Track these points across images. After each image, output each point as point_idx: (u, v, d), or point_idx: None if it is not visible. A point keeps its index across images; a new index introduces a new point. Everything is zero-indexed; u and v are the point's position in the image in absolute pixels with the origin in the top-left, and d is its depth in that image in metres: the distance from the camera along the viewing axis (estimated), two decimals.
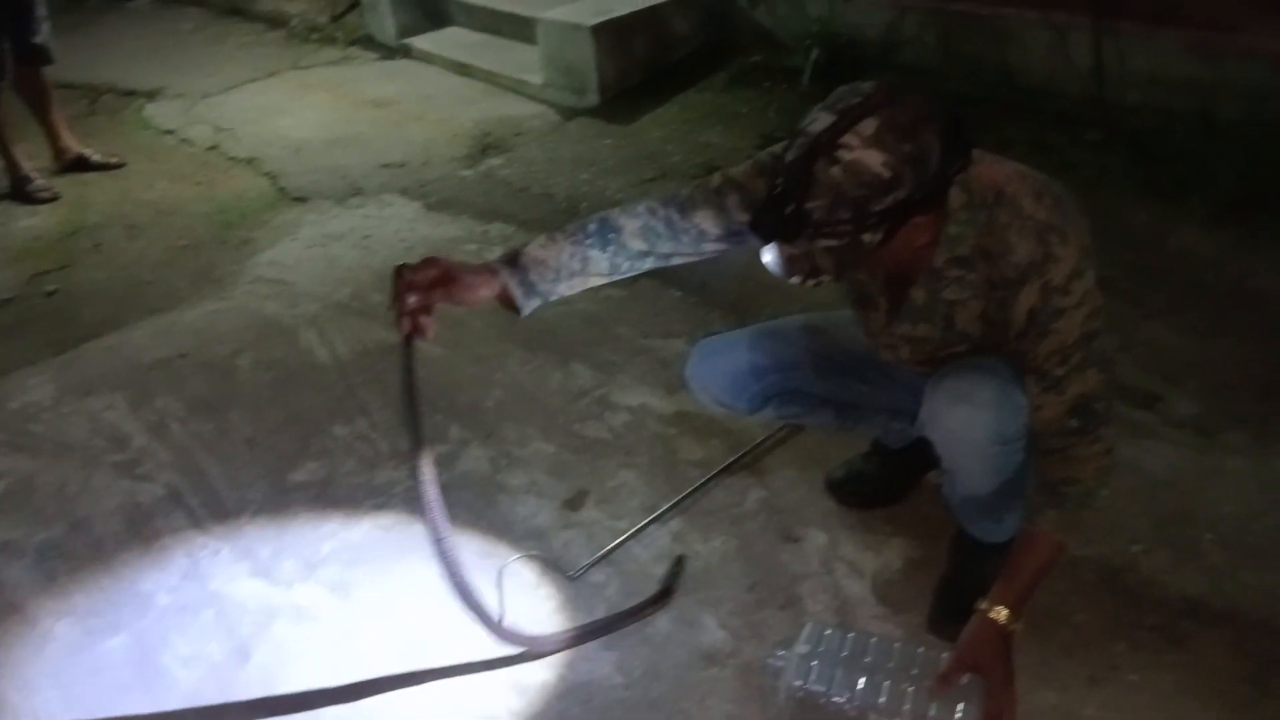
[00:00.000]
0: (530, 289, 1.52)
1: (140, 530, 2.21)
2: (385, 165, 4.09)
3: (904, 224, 1.31)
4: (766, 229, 1.33)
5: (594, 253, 1.55)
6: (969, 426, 1.53)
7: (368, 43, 5.57)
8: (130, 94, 5.18)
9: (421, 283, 1.46)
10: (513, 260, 1.53)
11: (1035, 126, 3.60)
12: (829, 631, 1.63)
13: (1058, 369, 1.44)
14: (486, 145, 4.20)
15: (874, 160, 1.26)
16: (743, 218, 1.53)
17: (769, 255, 1.35)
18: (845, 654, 1.59)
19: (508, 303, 1.54)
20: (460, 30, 5.44)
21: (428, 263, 1.47)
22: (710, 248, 1.60)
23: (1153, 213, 3.09)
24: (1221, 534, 1.94)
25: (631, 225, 1.56)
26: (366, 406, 2.55)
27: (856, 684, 1.53)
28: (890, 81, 1.32)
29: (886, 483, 2.09)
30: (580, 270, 1.55)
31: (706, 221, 1.57)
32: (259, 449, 2.44)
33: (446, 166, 4.04)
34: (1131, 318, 2.59)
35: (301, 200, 3.85)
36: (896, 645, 1.61)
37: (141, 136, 4.68)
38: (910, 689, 1.52)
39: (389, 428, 2.46)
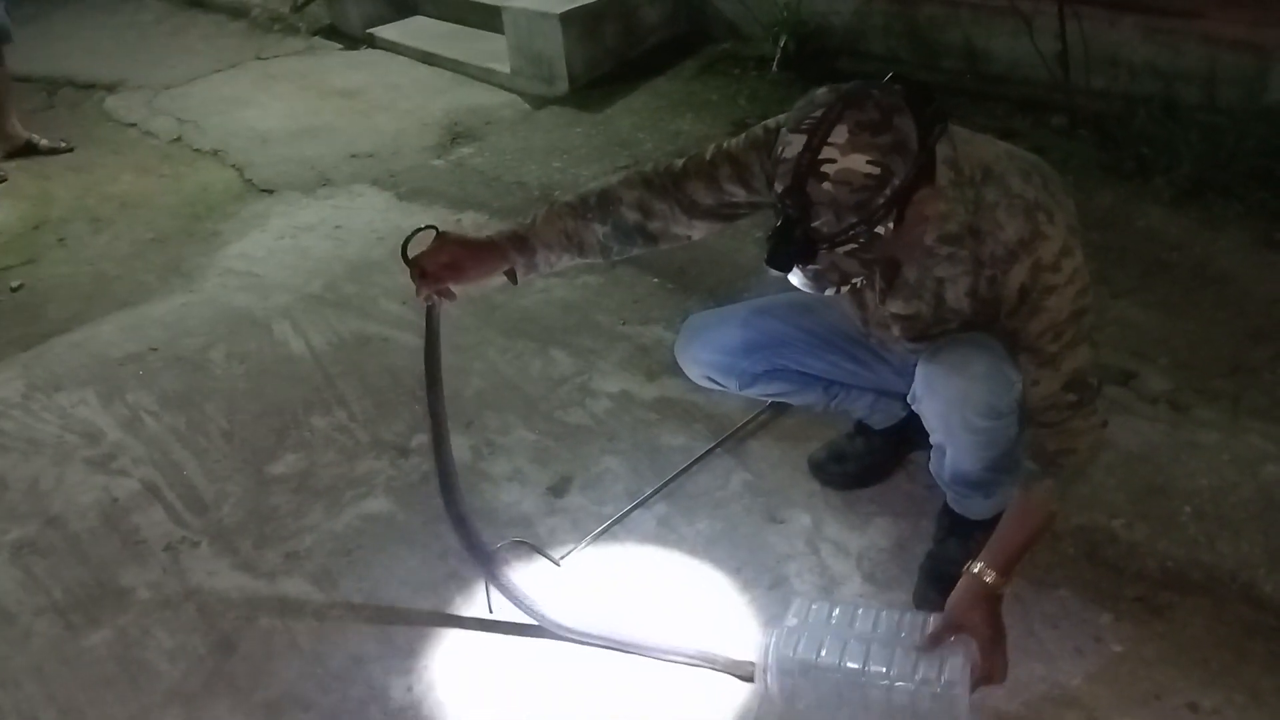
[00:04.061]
0: (532, 269, 1.65)
1: (117, 525, 2.18)
2: (354, 155, 4.05)
3: (909, 203, 1.33)
4: (784, 259, 1.34)
5: (595, 226, 1.64)
6: (963, 399, 1.55)
7: (331, 33, 5.50)
8: (90, 86, 5.08)
9: (434, 271, 1.59)
10: (521, 243, 1.63)
11: (1001, 113, 3.64)
12: (816, 605, 1.65)
13: (1051, 345, 1.46)
14: (456, 134, 4.17)
15: (859, 163, 1.27)
16: (735, 189, 1.58)
17: (796, 278, 1.37)
18: (833, 623, 1.61)
19: (507, 274, 1.66)
20: (425, 20, 5.39)
21: (439, 248, 1.60)
22: (700, 223, 1.63)
23: (1118, 194, 3.14)
24: (1198, 506, 1.98)
25: (629, 196, 1.63)
26: (344, 397, 2.53)
27: (845, 649, 1.55)
28: (841, 85, 1.34)
29: (869, 463, 2.10)
30: (578, 252, 1.66)
31: (699, 192, 1.59)
32: (236, 442, 2.41)
33: (417, 156, 4.00)
34: (1101, 296, 2.61)
35: (269, 192, 3.80)
36: (883, 613, 1.62)
37: (103, 129, 4.60)
38: (898, 651, 1.53)
39: (368, 418, 2.44)
